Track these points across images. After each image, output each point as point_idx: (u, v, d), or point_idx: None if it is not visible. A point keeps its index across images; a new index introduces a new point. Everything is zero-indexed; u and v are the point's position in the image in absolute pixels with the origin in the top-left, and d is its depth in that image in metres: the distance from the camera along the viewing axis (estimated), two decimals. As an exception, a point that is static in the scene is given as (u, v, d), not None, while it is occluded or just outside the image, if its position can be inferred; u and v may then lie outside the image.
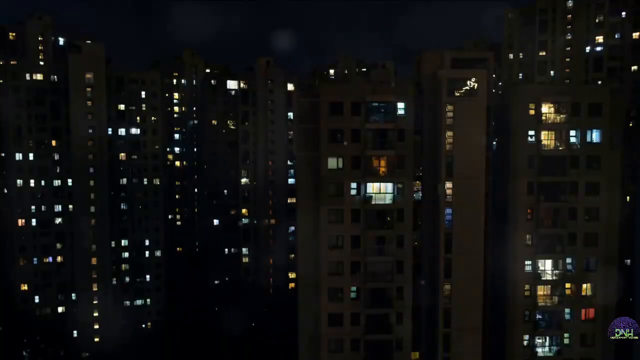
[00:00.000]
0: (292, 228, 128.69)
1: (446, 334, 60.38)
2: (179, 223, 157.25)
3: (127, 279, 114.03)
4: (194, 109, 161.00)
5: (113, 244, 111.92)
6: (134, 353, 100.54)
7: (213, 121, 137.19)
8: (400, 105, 58.66)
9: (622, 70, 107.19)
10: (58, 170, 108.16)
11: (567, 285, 61.63)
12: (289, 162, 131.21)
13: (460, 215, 59.40)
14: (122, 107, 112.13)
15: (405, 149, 58.81)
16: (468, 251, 59.54)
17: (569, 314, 61.90)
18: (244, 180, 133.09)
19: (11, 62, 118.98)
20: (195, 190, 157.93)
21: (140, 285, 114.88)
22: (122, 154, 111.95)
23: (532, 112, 60.56)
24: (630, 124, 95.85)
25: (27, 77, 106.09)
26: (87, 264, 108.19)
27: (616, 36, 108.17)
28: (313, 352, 60.22)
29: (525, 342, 61.83)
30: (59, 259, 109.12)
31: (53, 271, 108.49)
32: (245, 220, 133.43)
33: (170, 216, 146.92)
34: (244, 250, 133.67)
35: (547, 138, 60.89)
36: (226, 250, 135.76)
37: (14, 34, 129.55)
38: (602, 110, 60.58)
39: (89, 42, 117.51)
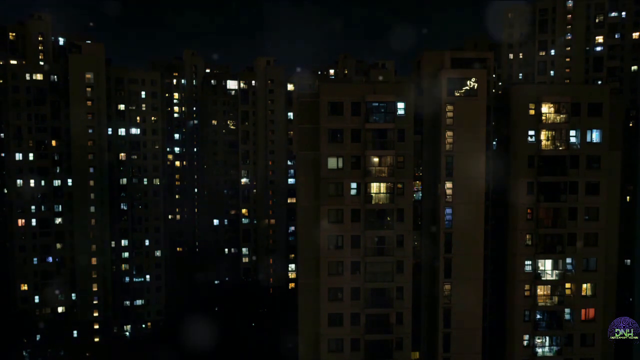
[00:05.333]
0: (292, 228, 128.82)
1: (446, 334, 60.37)
2: (179, 223, 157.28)
3: (127, 279, 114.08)
4: (194, 109, 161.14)
5: (113, 244, 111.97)
6: (134, 353, 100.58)
7: (213, 121, 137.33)
8: (400, 105, 58.67)
9: (622, 70, 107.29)
10: (58, 170, 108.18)
11: (567, 285, 61.61)
12: (289, 162, 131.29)
13: (460, 215, 59.39)
14: (122, 107, 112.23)
15: (405, 149, 58.83)
16: (468, 251, 59.55)
17: (569, 314, 61.90)
18: (244, 180, 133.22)
19: (11, 62, 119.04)
20: (195, 190, 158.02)
21: (140, 285, 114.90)
22: (122, 154, 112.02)
23: (532, 112, 60.56)
24: (630, 124, 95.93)
25: (27, 77, 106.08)
26: (87, 263, 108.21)
27: (616, 36, 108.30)
28: (313, 352, 60.23)
29: (525, 342, 61.81)
30: (58, 259, 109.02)
31: (53, 271, 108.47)
32: (245, 220, 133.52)
33: (170, 216, 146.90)
34: (244, 250, 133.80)
35: (547, 138, 60.92)
36: (226, 250, 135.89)
37: (14, 34, 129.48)
38: (602, 110, 60.57)
39: (89, 42, 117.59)
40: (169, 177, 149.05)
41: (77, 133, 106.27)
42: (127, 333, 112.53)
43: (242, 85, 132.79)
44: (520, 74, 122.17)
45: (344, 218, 58.74)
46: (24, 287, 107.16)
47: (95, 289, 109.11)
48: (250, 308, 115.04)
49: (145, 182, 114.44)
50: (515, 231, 61.32)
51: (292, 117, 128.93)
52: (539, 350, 61.83)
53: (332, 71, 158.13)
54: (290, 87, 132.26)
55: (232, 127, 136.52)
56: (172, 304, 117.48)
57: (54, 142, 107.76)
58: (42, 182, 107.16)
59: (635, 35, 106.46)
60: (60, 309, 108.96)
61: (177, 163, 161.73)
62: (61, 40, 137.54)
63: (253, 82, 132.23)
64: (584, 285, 61.89)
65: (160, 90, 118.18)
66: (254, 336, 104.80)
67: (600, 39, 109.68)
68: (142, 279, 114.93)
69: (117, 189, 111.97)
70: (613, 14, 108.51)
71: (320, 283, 59.15)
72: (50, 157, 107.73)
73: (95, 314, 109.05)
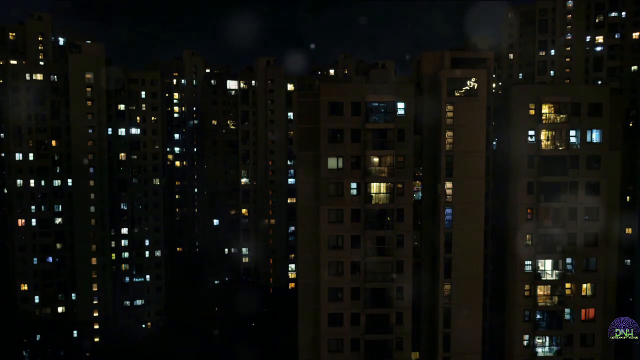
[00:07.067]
0: (292, 228, 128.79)
1: (446, 334, 60.39)
2: (179, 223, 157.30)
3: (127, 279, 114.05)
4: (194, 109, 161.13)
5: (113, 244, 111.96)
6: (134, 353, 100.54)
7: (213, 121, 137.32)
8: (400, 105, 58.70)
9: (622, 70, 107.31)
10: (58, 170, 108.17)
11: (567, 285, 61.64)
12: (289, 162, 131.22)
13: (460, 215, 59.40)
14: (122, 107, 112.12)
15: (405, 149, 58.85)
16: (468, 251, 59.56)
17: (569, 314, 61.92)
18: (244, 180, 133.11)
19: (11, 62, 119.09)
20: (195, 190, 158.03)
21: (140, 285, 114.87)
22: (122, 154, 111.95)
23: (532, 112, 60.60)
24: (630, 124, 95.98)
25: (27, 77, 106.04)
26: (87, 264, 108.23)
27: (616, 36, 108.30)
28: (313, 352, 60.24)
29: (525, 342, 61.84)
30: (58, 259, 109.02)
31: (53, 271, 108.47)
32: (245, 220, 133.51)
33: (170, 216, 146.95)
34: (244, 250, 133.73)
35: (547, 138, 60.95)
36: (226, 250, 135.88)
37: (14, 34, 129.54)
38: (602, 110, 60.61)
39: (89, 42, 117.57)
40: (169, 177, 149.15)
41: (77, 133, 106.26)
42: (127, 333, 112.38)
43: (242, 85, 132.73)
44: (520, 74, 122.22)
45: (344, 218, 58.76)
46: (24, 287, 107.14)
47: (95, 289, 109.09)
48: (250, 308, 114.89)
49: (145, 182, 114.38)
50: (515, 231, 61.34)
51: (292, 117, 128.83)
52: (539, 350, 61.85)
53: (332, 71, 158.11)
54: (290, 87, 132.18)
55: (232, 127, 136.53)
56: (172, 304, 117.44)
57: (54, 142, 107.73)
58: (42, 182, 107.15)
59: (635, 35, 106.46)
60: (60, 309, 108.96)
61: (177, 163, 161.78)
62: (61, 40, 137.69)
63: (253, 82, 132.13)
64: (584, 285, 61.91)
65: (160, 90, 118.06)
66: (254, 336, 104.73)
67: (600, 39, 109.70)
68: (142, 279, 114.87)
69: (117, 189, 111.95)
70: (613, 14, 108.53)
71: (320, 283, 59.17)
72: (50, 157, 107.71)
73: (95, 314, 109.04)
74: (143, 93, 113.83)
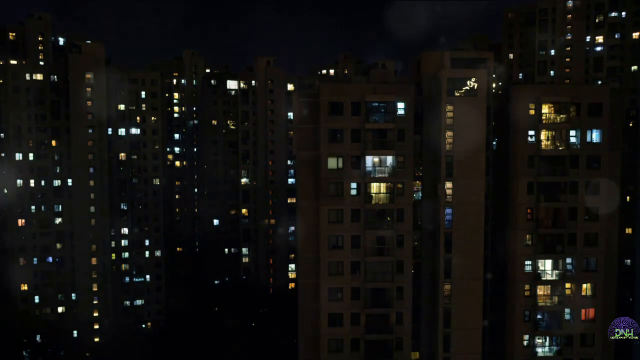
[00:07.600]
0: (292, 228, 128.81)
1: (446, 334, 60.34)
2: (179, 223, 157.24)
3: (127, 279, 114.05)
4: (194, 109, 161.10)
5: (113, 244, 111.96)
6: (134, 353, 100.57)
7: (213, 121, 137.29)
8: (400, 105, 58.71)
9: (622, 70, 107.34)
10: (58, 170, 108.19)
11: (567, 285, 61.60)
12: (289, 162, 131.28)
13: (460, 215, 59.36)
14: (122, 107, 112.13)
15: (405, 149, 58.85)
16: (468, 251, 59.49)
17: (569, 314, 61.87)
18: (244, 180, 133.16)
19: (11, 62, 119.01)
20: (195, 190, 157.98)
21: (140, 285, 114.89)
22: (122, 154, 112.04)
23: (532, 112, 60.55)
24: (630, 124, 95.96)
25: (27, 77, 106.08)
26: (87, 264, 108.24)
27: (616, 36, 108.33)
28: (313, 352, 60.22)
29: (525, 342, 61.80)
30: (58, 259, 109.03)
31: (53, 271, 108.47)
32: (245, 220, 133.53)
33: (170, 216, 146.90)
34: (244, 250, 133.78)
35: (547, 138, 60.92)
36: (226, 250, 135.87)
37: (14, 34, 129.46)
38: (602, 110, 60.58)
39: (89, 42, 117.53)
40: (169, 177, 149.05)
41: (77, 133, 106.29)
42: (127, 333, 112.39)
43: (242, 85, 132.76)
44: (520, 74, 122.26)
45: (344, 218, 58.76)
46: (24, 287, 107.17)
47: (95, 289, 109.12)
48: (250, 308, 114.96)
49: (145, 182, 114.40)
50: (515, 231, 61.30)
51: (292, 117, 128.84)
52: (539, 350, 61.82)
53: (332, 71, 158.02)
54: (290, 87, 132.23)
55: (232, 127, 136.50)
56: (172, 304, 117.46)
57: (54, 142, 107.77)
58: (42, 182, 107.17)
59: (635, 35, 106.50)
60: (60, 309, 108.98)
61: (177, 163, 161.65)
62: (61, 40, 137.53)
63: (253, 82, 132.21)
64: (584, 285, 61.87)
65: (160, 90, 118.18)
66: (254, 336, 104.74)
67: (600, 39, 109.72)
68: (142, 279, 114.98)
69: (117, 189, 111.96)
70: (613, 14, 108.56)
71: (320, 283, 59.14)
72: (50, 157, 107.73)
73: (95, 314, 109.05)
74: (143, 93, 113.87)
